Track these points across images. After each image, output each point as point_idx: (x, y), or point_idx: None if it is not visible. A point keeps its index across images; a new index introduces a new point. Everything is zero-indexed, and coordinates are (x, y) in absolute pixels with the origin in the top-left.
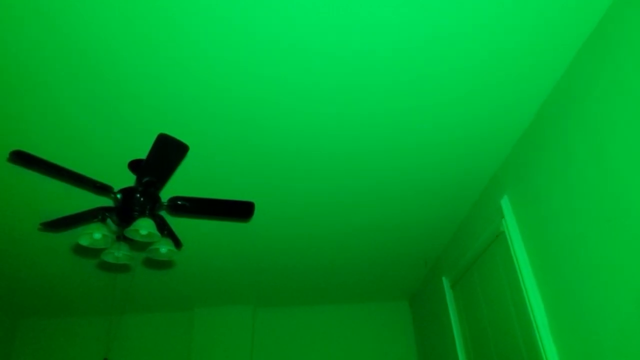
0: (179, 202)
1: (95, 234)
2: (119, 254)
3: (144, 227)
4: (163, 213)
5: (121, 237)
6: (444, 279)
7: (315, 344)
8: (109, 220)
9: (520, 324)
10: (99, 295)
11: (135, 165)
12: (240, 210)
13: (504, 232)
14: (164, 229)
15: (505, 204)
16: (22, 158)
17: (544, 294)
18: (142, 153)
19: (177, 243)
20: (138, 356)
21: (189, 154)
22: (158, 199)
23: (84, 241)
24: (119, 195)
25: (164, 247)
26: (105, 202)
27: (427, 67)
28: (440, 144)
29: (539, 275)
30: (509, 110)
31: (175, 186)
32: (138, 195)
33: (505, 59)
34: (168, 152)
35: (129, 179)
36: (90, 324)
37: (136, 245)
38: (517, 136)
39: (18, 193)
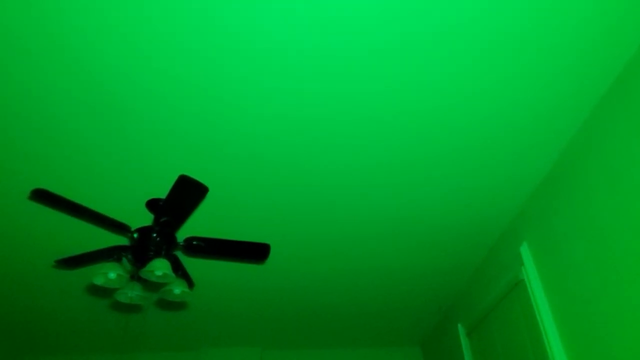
0: (195, 243)
1: (110, 274)
2: (133, 294)
3: (159, 268)
4: (178, 253)
5: (135, 277)
6: (459, 325)
7: None
8: (124, 259)
9: None
10: (108, 334)
11: (152, 205)
12: (256, 252)
13: (524, 280)
14: (179, 270)
15: (525, 251)
16: (42, 196)
17: (566, 346)
18: (159, 192)
19: (190, 283)
20: None
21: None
22: (174, 239)
23: (99, 280)
24: (135, 235)
25: (178, 289)
26: (121, 240)
27: (447, 115)
28: (456, 190)
29: (561, 326)
30: (528, 158)
31: (190, 225)
32: (155, 235)
33: (524, 108)
34: (188, 193)
35: (145, 218)
36: None
37: (149, 284)
38: (536, 183)
39: (33, 230)
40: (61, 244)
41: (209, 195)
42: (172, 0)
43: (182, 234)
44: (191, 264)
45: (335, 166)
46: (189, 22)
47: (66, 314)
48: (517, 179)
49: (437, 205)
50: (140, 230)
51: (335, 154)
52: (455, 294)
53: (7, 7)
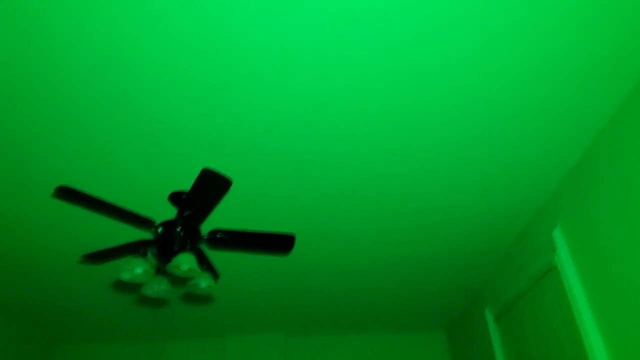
0: (219, 236)
1: (137, 269)
2: (159, 288)
3: (184, 262)
4: (202, 246)
5: (161, 272)
6: (487, 311)
7: None
8: (149, 254)
9: None
10: (137, 323)
11: (175, 198)
12: (281, 243)
13: (557, 267)
14: (204, 263)
15: (558, 236)
16: (66, 193)
17: (605, 336)
18: (182, 184)
19: (215, 276)
20: None
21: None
22: (198, 232)
23: (126, 276)
24: (159, 229)
25: (204, 282)
26: (145, 235)
27: (472, 97)
28: (485, 175)
29: (598, 315)
30: (562, 138)
31: (215, 218)
32: (179, 229)
33: (559, 85)
34: (211, 186)
35: (169, 211)
36: (124, 351)
37: (175, 278)
38: (571, 164)
39: (59, 226)
40: (86, 240)
41: (232, 187)
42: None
43: (206, 227)
44: (215, 255)
45: (358, 158)
46: (197, 24)
47: (95, 305)
48: (551, 160)
49: (465, 190)
50: (164, 224)
51: (357, 146)
52: (483, 279)
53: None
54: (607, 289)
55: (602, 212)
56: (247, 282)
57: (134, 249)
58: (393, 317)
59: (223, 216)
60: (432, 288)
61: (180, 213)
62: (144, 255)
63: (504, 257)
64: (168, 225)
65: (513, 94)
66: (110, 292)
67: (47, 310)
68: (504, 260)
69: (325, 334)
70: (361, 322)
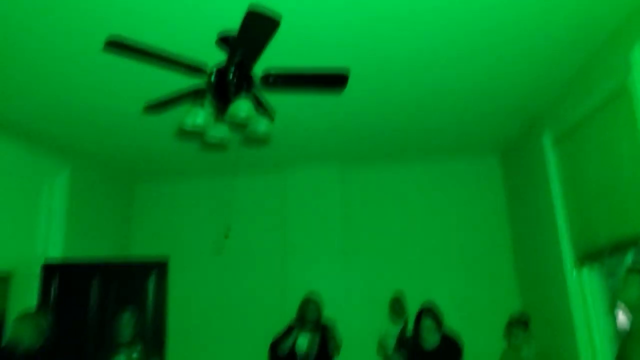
0: (272, 78)
1: (197, 120)
2: (220, 135)
3: (241, 110)
4: (256, 90)
5: (220, 118)
6: (545, 136)
7: (403, 200)
8: (206, 102)
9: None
10: (203, 163)
11: (224, 41)
12: (335, 81)
13: (630, 90)
14: (259, 107)
15: (636, 55)
16: (116, 45)
17: None
18: (231, 23)
19: (271, 117)
20: (243, 214)
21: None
22: (251, 76)
23: (188, 127)
24: (212, 77)
25: (262, 126)
26: (200, 84)
27: None
28: None
29: None
30: None
31: (266, 57)
32: (231, 75)
33: None
34: (259, 27)
35: (220, 57)
36: (197, 186)
37: (234, 124)
38: None
39: (117, 77)
40: (145, 91)
41: (282, 22)
42: None
43: (258, 68)
44: (270, 96)
45: None
46: None
47: (166, 150)
48: None
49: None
50: (216, 71)
51: None
52: (545, 102)
53: None
54: None
55: None
56: (302, 120)
57: (190, 97)
58: (447, 143)
59: (275, 55)
60: (492, 112)
61: (230, 58)
62: (202, 104)
63: (571, 79)
64: (220, 71)
65: None
66: (178, 138)
67: (126, 156)
68: (571, 82)
69: (379, 163)
70: (415, 150)
